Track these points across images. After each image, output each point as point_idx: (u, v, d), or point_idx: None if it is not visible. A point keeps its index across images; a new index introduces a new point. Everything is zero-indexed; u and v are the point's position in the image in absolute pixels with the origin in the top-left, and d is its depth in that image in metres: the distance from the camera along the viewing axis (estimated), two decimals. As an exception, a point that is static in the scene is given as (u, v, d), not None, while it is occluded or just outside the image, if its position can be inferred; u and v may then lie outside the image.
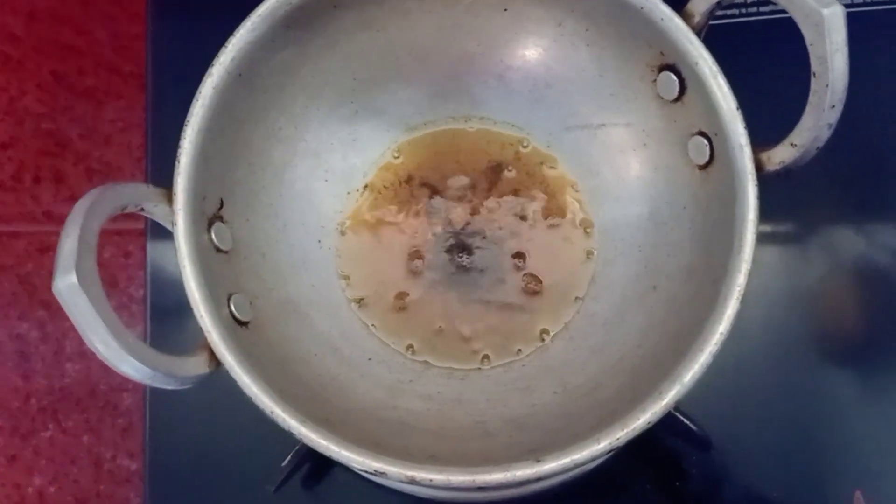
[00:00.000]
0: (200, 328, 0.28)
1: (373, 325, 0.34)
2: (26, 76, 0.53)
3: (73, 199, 0.51)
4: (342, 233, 0.35)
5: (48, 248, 0.50)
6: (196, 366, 0.27)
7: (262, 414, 0.40)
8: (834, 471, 0.39)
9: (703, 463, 0.39)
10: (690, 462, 0.39)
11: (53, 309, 0.49)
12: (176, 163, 0.29)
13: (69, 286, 0.23)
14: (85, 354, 0.48)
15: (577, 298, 0.34)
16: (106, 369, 0.48)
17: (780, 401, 0.40)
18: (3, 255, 0.50)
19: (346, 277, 0.34)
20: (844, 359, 0.41)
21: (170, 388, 0.26)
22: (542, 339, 0.34)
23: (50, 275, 0.50)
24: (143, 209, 0.28)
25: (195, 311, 0.28)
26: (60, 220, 0.51)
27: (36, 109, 0.53)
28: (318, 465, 0.38)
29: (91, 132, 0.52)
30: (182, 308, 0.42)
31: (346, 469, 0.38)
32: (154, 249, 0.43)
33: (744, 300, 0.27)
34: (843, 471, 0.38)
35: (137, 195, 0.28)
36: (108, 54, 0.54)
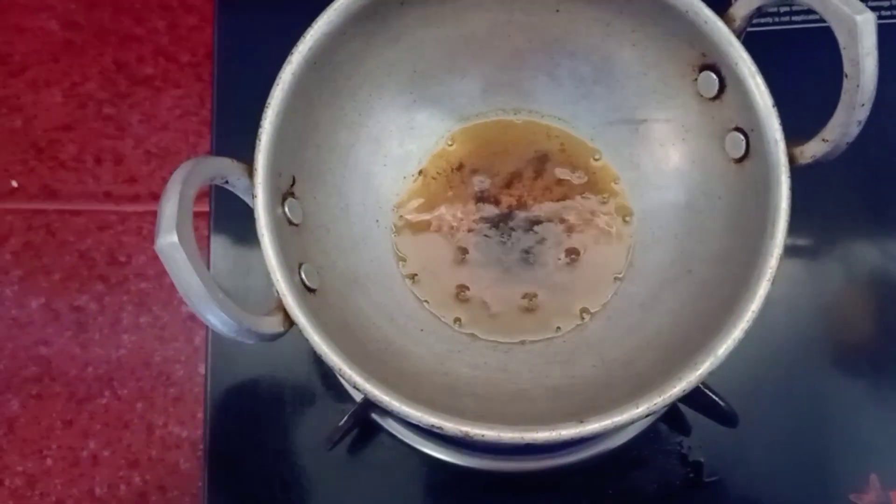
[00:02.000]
0: (263, 300, 0.30)
1: (425, 300, 0.36)
2: (88, 62, 0.56)
3: (133, 180, 0.54)
4: (398, 214, 0.38)
5: (107, 227, 0.53)
6: (272, 325, 0.30)
7: (313, 383, 0.43)
8: (851, 455, 0.41)
9: (727, 443, 0.41)
10: (715, 440, 0.41)
11: (111, 283, 0.52)
12: (257, 141, 0.32)
13: (170, 244, 0.26)
14: (140, 327, 0.51)
15: (616, 279, 0.36)
16: (161, 341, 0.51)
17: (801, 391, 0.42)
18: (65, 232, 0.53)
19: (402, 258, 0.37)
20: (861, 357, 0.43)
21: (250, 342, 0.29)
22: (582, 318, 0.36)
23: (109, 251, 0.54)
24: (227, 182, 0.31)
25: (272, 275, 0.30)
26: (119, 200, 0.54)
27: (97, 95, 0.56)
28: (368, 430, 0.41)
29: (149, 118, 0.55)
30: (240, 286, 0.45)
31: (391, 435, 0.41)
32: (217, 234, 0.46)
33: (771, 311, 0.30)
34: (860, 455, 0.41)
35: (224, 168, 0.30)
36: (165, 44, 0.56)
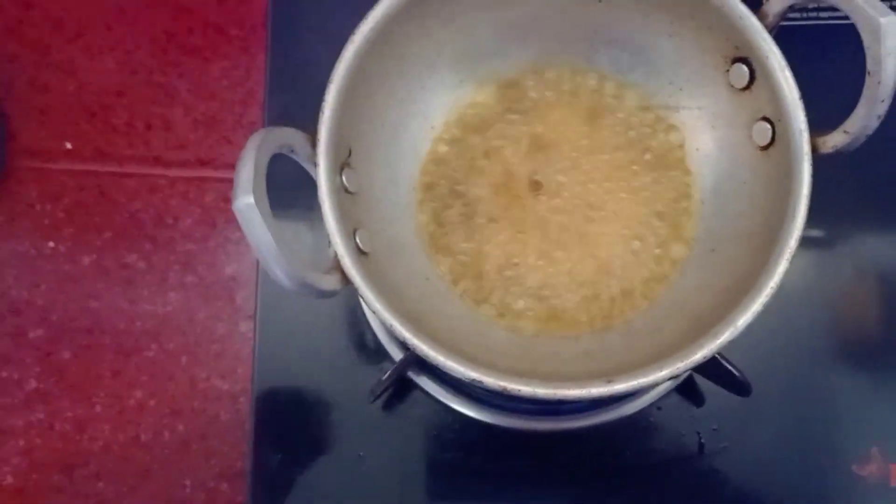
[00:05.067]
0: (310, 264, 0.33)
1: (466, 270, 0.39)
2: (140, 32, 0.59)
3: (181, 147, 0.57)
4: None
5: (156, 190, 0.56)
6: (331, 282, 0.32)
7: (351, 343, 0.46)
8: (854, 429, 0.44)
9: (737, 414, 0.44)
10: (725, 412, 0.44)
11: (159, 243, 0.55)
12: (320, 114, 0.34)
13: (247, 205, 0.29)
14: (185, 285, 0.54)
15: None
16: (204, 300, 0.54)
17: (808, 370, 0.44)
18: (116, 193, 0.56)
19: (447, 230, 0.40)
20: (866, 338, 0.45)
21: (311, 297, 0.32)
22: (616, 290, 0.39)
23: (157, 213, 0.57)
24: (293, 150, 0.33)
25: (331, 238, 0.33)
26: (168, 165, 0.57)
27: (148, 63, 0.58)
28: (403, 387, 0.44)
29: (198, 87, 0.58)
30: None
31: (425, 392, 0.44)
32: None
33: (785, 293, 0.32)
34: (862, 429, 0.43)
35: (292, 138, 0.33)
36: (214, 17, 0.59)
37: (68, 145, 0.57)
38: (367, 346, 0.46)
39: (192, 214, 0.55)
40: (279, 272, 0.30)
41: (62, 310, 0.54)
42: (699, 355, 0.32)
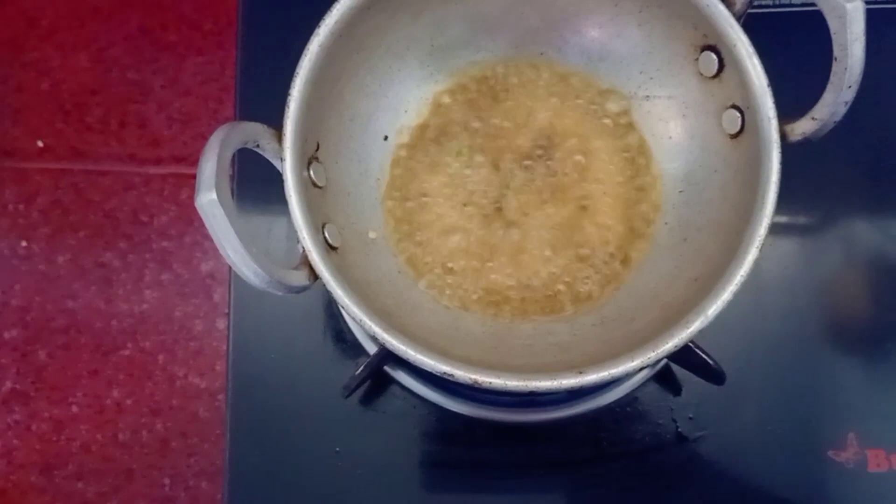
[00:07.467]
0: (284, 259, 0.33)
1: (438, 262, 0.39)
2: (114, 28, 0.59)
3: (156, 143, 0.57)
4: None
5: (131, 187, 0.56)
6: (299, 278, 0.32)
7: (327, 338, 0.45)
8: (831, 415, 0.44)
9: (715, 402, 0.44)
10: (703, 400, 0.44)
11: (135, 241, 0.55)
12: (286, 108, 0.34)
13: (210, 202, 0.28)
14: (162, 283, 0.54)
15: (616, 245, 0.39)
16: (181, 297, 0.54)
17: (787, 356, 0.44)
18: (91, 191, 0.56)
19: (418, 221, 0.39)
20: (844, 324, 0.45)
21: (279, 293, 0.32)
22: (585, 281, 0.39)
23: (132, 211, 0.56)
24: (258, 145, 0.33)
25: (299, 234, 0.33)
26: (143, 162, 0.57)
27: (123, 60, 0.58)
28: (380, 381, 0.44)
29: (172, 83, 0.57)
30: (261, 247, 0.47)
31: (402, 386, 0.44)
32: (240, 197, 0.48)
33: (762, 281, 0.32)
34: (839, 415, 0.44)
35: (256, 133, 0.33)
36: (189, 12, 0.59)
37: (40, 143, 0.57)
38: (343, 341, 0.46)
39: (168, 212, 0.55)
40: (245, 269, 0.30)
41: (38, 310, 0.54)
42: (670, 345, 0.32)
